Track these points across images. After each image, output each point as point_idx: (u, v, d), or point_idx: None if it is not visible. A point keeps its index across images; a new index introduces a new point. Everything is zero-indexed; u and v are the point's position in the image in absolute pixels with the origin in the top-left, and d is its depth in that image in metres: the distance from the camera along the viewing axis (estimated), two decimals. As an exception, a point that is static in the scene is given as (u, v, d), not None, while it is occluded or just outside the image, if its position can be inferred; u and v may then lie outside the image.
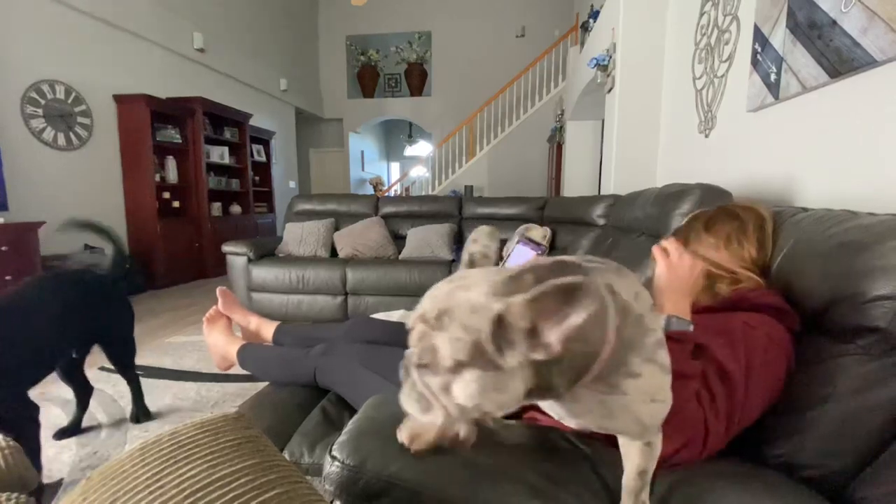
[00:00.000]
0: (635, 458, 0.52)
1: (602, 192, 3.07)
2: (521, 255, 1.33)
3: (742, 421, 0.66)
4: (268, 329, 1.43)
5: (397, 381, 0.90)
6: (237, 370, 1.32)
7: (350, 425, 0.64)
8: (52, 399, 1.80)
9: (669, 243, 0.72)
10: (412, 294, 2.75)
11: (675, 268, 0.69)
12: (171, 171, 4.27)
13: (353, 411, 1.00)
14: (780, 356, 0.69)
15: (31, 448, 1.12)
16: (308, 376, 1.11)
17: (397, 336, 1.23)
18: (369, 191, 8.95)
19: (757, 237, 0.85)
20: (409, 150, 10.76)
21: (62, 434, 1.53)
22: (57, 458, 1.43)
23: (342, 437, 0.61)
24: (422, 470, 0.58)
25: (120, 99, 3.86)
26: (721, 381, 0.66)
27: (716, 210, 0.92)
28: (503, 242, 2.64)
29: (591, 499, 0.56)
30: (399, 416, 0.68)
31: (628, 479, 0.53)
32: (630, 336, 0.43)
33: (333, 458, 0.59)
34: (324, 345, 1.15)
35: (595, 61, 3.00)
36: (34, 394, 1.19)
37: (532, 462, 0.61)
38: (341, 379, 1.05)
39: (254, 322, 1.46)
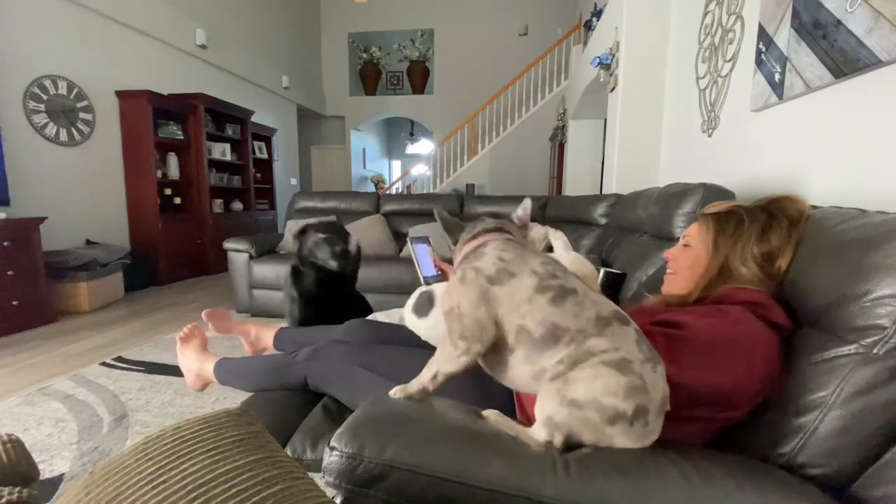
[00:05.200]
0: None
1: (604, 192, 3.07)
2: (420, 253, 1.39)
3: (704, 389, 0.67)
4: (268, 335, 1.38)
5: (393, 378, 0.91)
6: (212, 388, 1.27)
7: (347, 420, 0.65)
8: (51, 394, 1.81)
9: None
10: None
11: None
12: (173, 168, 4.27)
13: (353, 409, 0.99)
14: (756, 352, 0.68)
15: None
16: (298, 382, 1.05)
17: (394, 336, 1.20)
18: (371, 188, 8.95)
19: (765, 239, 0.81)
20: (411, 148, 10.77)
21: None
22: (58, 452, 1.43)
23: (339, 430, 0.62)
24: (418, 450, 0.59)
25: (122, 95, 3.86)
26: (676, 328, 0.73)
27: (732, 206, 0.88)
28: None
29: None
30: (396, 410, 0.68)
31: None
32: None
33: (332, 448, 0.60)
34: (310, 348, 1.09)
35: (598, 60, 3.00)
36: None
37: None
38: (335, 379, 1.01)
39: (253, 331, 1.42)
